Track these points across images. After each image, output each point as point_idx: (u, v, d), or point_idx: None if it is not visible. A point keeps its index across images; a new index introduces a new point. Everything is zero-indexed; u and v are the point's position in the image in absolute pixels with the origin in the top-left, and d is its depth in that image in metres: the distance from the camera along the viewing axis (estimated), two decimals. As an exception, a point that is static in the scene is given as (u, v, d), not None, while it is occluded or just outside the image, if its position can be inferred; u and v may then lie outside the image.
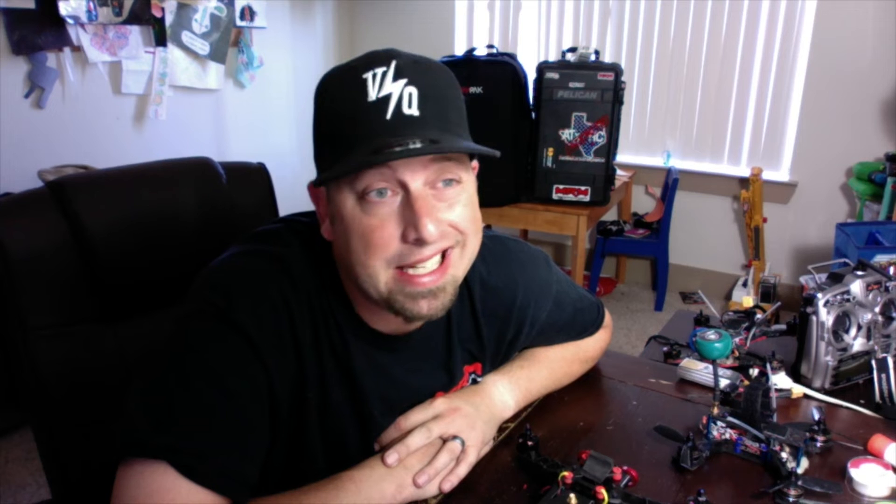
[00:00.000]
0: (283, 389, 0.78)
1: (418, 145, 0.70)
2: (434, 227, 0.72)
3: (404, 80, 0.72)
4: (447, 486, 0.83)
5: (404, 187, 0.73)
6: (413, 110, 0.72)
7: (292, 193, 1.52)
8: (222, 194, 1.15)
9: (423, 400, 0.90)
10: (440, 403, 0.88)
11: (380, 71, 0.72)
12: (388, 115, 0.72)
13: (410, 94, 0.72)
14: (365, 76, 0.72)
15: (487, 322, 0.95)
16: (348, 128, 0.73)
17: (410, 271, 0.75)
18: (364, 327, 0.84)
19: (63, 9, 2.71)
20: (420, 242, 0.73)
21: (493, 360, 0.99)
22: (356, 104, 0.72)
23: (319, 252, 0.83)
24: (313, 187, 0.81)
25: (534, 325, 1.00)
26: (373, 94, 0.72)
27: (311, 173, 0.81)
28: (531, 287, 0.98)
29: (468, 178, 0.79)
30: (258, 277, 0.79)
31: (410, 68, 0.73)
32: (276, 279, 0.79)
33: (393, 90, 0.72)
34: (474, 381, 0.97)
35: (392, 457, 0.81)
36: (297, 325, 0.79)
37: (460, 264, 0.79)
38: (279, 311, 0.78)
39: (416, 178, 0.73)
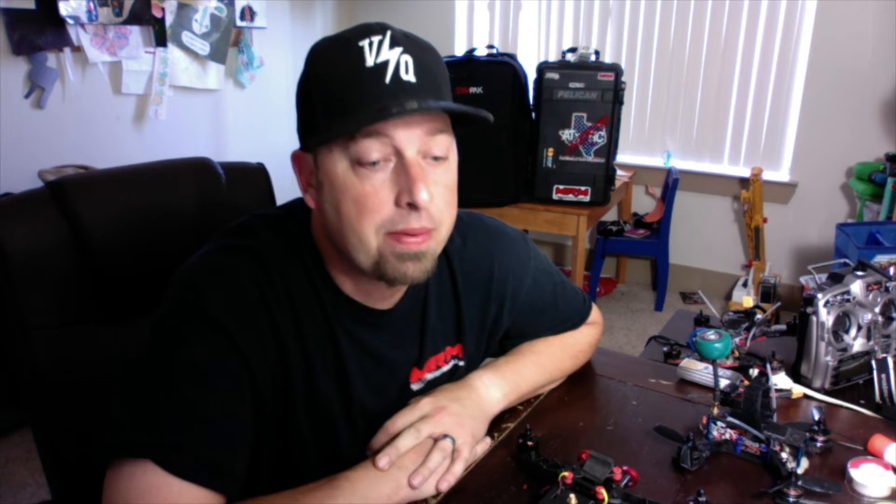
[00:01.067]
0: (265, 379, 0.79)
1: (416, 107, 0.72)
2: (426, 193, 0.74)
3: (400, 49, 0.74)
4: (444, 486, 0.82)
5: (399, 154, 0.74)
6: (410, 76, 0.74)
7: (292, 193, 1.51)
8: (222, 194, 1.15)
9: (402, 377, 0.91)
10: (426, 404, 0.88)
11: (376, 39, 0.74)
12: (387, 80, 0.73)
13: (407, 62, 0.74)
14: (361, 44, 0.74)
15: (468, 298, 0.96)
16: (347, 92, 0.74)
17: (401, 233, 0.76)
18: (347, 302, 0.85)
19: (63, 9, 2.71)
20: (413, 207, 0.74)
21: (477, 339, 0.99)
22: (354, 70, 0.74)
23: (294, 235, 0.84)
24: (302, 152, 0.81)
25: (515, 300, 1.00)
26: (370, 61, 0.73)
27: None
28: (507, 260, 0.99)
29: (453, 157, 0.81)
30: (231, 271, 0.79)
31: (404, 39, 0.76)
32: (249, 270, 0.79)
33: (390, 57, 0.74)
34: (456, 367, 0.97)
35: (383, 460, 0.81)
36: (275, 313, 0.79)
37: (437, 236, 0.80)
38: (255, 302, 0.78)
39: (412, 146, 0.75)
